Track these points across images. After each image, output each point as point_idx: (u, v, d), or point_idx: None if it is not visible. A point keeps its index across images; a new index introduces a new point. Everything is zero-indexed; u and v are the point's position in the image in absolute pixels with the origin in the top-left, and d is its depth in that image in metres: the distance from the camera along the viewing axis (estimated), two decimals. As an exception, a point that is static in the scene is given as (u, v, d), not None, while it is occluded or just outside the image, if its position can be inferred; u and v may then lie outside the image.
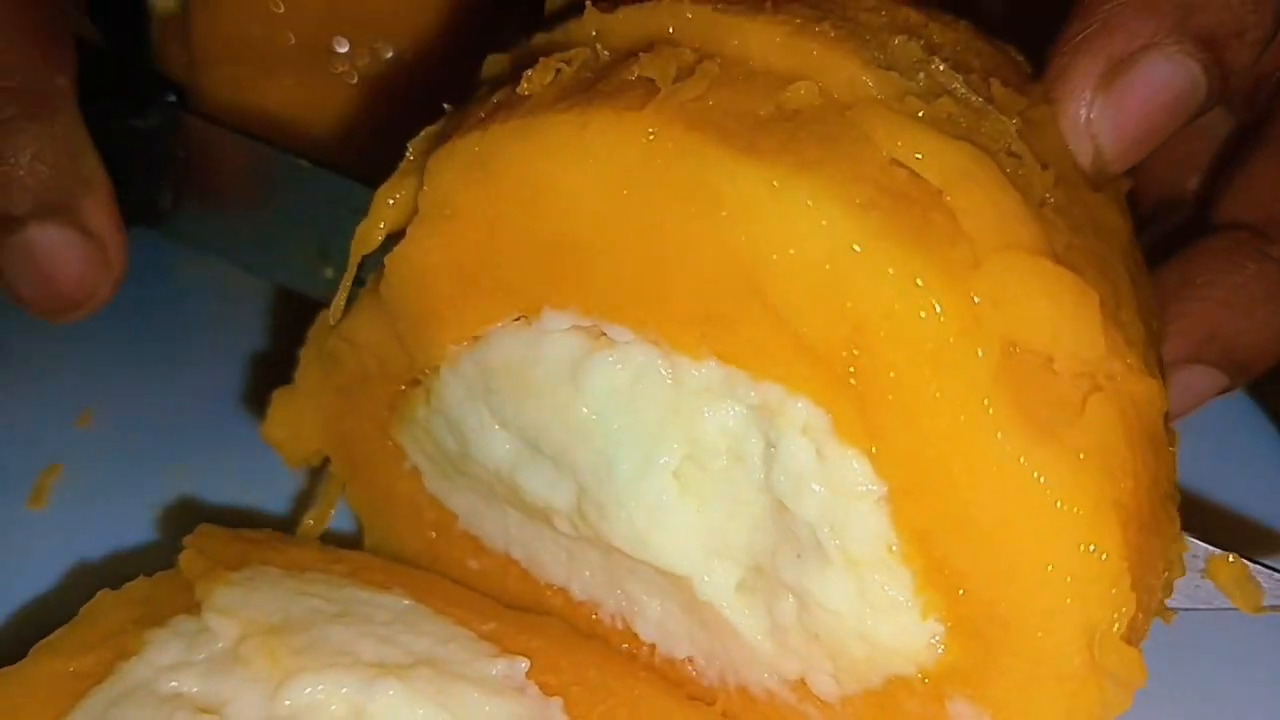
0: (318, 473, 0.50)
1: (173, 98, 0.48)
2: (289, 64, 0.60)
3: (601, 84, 0.31)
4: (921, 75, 0.31)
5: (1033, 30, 0.35)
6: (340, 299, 0.38)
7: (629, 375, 0.34)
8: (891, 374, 0.29)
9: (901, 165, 0.29)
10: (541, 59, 0.33)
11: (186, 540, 0.40)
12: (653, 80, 0.31)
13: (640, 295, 0.32)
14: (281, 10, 0.59)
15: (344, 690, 0.34)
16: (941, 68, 0.32)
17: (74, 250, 0.44)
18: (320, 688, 0.34)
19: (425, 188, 0.34)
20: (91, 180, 0.45)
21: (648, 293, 0.32)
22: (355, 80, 0.61)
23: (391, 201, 0.36)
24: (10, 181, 0.43)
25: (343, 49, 0.60)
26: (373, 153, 0.61)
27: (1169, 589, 0.33)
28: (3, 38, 0.44)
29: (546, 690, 0.37)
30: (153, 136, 0.48)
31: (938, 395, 0.28)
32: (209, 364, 0.58)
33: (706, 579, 0.35)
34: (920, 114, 0.30)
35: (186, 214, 0.50)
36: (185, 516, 0.49)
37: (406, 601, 0.39)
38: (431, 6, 0.61)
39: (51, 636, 0.36)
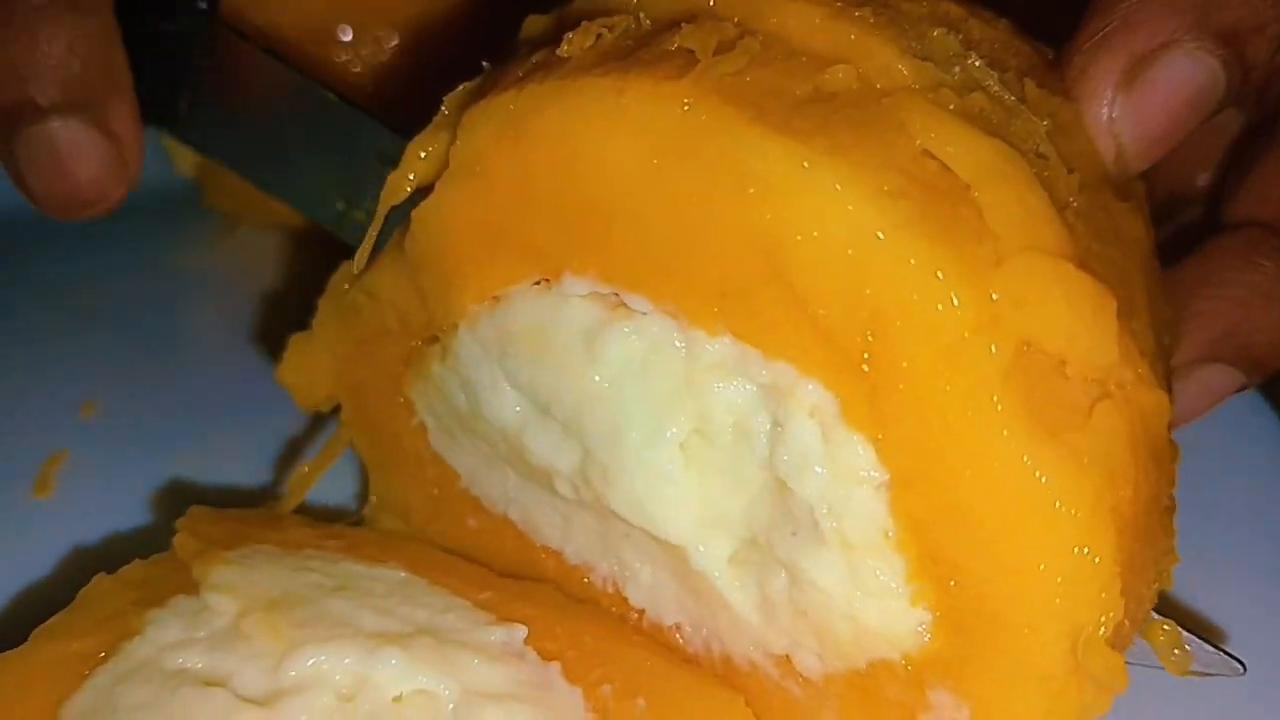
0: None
1: (204, 5, 0.48)
2: (292, 52, 0.59)
3: (641, 52, 0.31)
4: (957, 69, 0.32)
5: (1051, 22, 0.36)
6: (365, 248, 0.39)
7: (644, 346, 0.34)
8: (904, 363, 0.29)
9: (933, 157, 0.30)
10: (584, 23, 0.33)
11: (179, 523, 0.40)
12: (692, 52, 0.31)
13: (661, 266, 0.32)
14: (285, -1, 0.59)
15: (347, 660, 0.35)
16: (978, 63, 0.32)
17: (94, 148, 0.44)
18: (323, 658, 0.34)
19: (458, 143, 0.34)
20: (119, 80, 0.45)
21: (669, 264, 0.32)
22: (359, 69, 0.61)
23: (423, 155, 0.36)
24: (40, 70, 0.43)
25: (346, 37, 0.60)
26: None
27: (1155, 600, 0.33)
28: None
29: (544, 655, 0.37)
30: (178, 41, 0.48)
31: (948, 388, 0.29)
32: (211, 354, 0.58)
33: (701, 549, 0.36)
34: (952, 107, 0.30)
35: (202, 121, 0.49)
36: (186, 501, 0.49)
37: (403, 574, 0.40)
38: (436, -4, 0.61)
39: (51, 621, 0.37)
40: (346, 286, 0.43)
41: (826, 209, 0.29)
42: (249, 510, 0.44)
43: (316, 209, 0.47)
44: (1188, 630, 0.34)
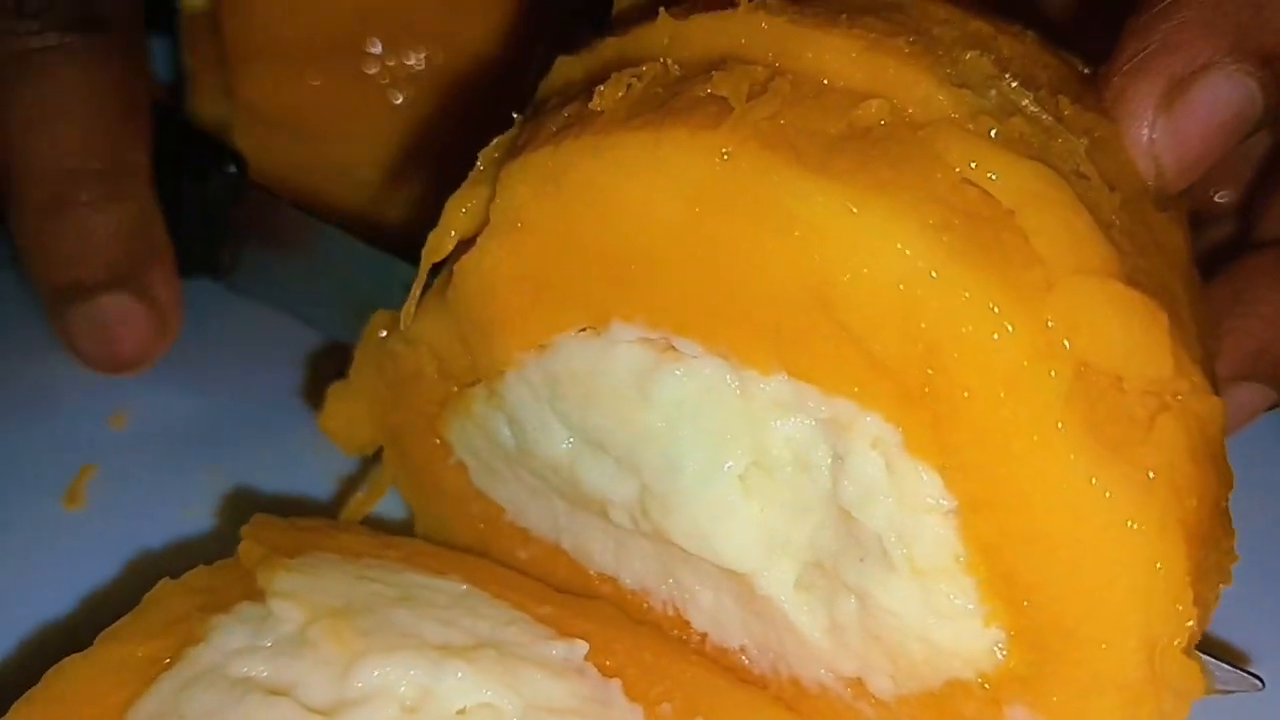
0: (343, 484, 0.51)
1: (233, 169, 0.52)
2: (320, 64, 0.61)
3: (674, 101, 0.32)
4: (993, 92, 0.32)
5: (1091, 28, 0.36)
6: (410, 306, 0.39)
7: (697, 387, 0.34)
8: (965, 393, 0.29)
9: (973, 185, 0.30)
10: (614, 74, 0.33)
11: (244, 530, 0.40)
12: (725, 98, 0.31)
13: (710, 310, 0.33)
14: (313, 9, 0.60)
15: (413, 672, 0.34)
16: (1013, 85, 0.32)
17: (138, 317, 0.48)
18: (389, 669, 0.34)
19: (497, 199, 0.34)
20: (159, 253, 0.49)
21: (717, 307, 0.32)
22: (387, 82, 0.61)
23: (464, 210, 0.36)
24: (89, 255, 0.47)
25: (375, 50, 0.61)
26: (401, 154, 0.62)
27: (1219, 599, 0.33)
28: (95, 121, 0.47)
29: (604, 672, 0.37)
30: (213, 204, 0.52)
31: (1011, 416, 0.29)
32: (240, 362, 0.58)
33: (766, 574, 0.36)
34: (993, 133, 0.30)
35: (244, 270, 0.54)
36: (229, 508, 0.50)
37: (463, 586, 0.40)
38: (466, 11, 0.61)
39: (116, 625, 0.37)
40: (383, 334, 0.44)
41: (875, 248, 0.29)
42: (309, 520, 0.44)
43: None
44: (1206, 653, 0.35)
